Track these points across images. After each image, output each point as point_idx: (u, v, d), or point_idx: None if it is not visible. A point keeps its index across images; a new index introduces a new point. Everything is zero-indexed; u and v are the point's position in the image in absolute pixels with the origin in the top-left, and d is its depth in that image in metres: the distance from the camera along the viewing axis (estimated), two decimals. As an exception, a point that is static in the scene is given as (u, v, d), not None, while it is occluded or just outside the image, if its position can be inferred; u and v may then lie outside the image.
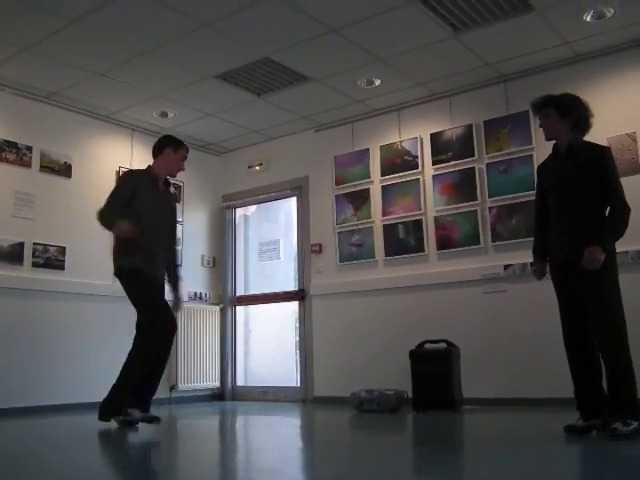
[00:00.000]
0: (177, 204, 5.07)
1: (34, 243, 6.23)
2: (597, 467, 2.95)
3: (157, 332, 4.57)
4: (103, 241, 6.78)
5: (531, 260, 5.70)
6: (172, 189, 5.12)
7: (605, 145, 3.89)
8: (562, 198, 3.81)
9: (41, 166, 6.43)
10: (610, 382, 3.56)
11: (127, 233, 4.44)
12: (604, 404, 3.60)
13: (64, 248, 6.44)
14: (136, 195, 4.67)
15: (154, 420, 4.50)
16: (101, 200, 6.77)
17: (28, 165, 6.33)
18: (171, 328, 4.65)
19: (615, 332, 3.55)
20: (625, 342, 3.55)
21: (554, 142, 3.95)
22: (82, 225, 6.63)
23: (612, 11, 5.13)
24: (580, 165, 3.76)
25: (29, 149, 6.34)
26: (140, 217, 4.57)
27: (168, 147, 4.89)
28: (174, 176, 4.99)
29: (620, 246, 5.70)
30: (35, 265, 6.21)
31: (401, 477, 2.76)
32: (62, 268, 6.41)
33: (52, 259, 6.35)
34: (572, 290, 3.73)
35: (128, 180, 4.90)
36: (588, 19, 5.23)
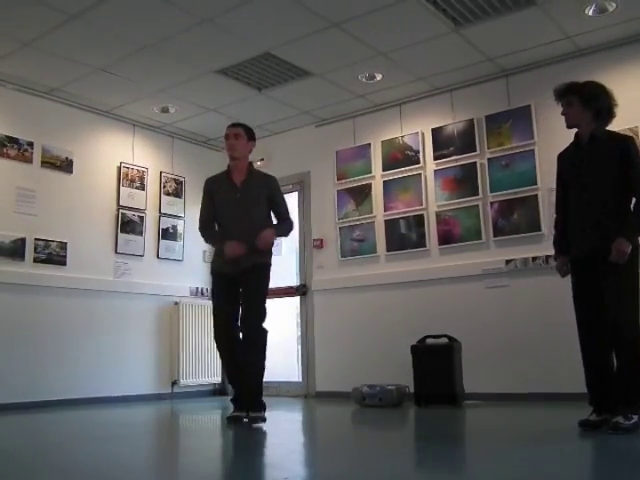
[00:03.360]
0: (271, 186, 4.73)
1: (36, 239, 6.23)
2: (598, 461, 2.95)
3: (213, 318, 4.57)
4: (104, 236, 6.84)
5: (533, 255, 5.77)
6: (262, 172, 4.83)
7: (628, 135, 3.82)
8: (584, 190, 3.73)
9: (42, 162, 6.42)
10: (620, 375, 3.53)
11: (238, 251, 4.39)
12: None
13: (65, 243, 6.45)
14: (215, 200, 4.66)
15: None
16: (102, 195, 6.86)
17: (29, 161, 6.33)
18: (219, 331, 4.50)
19: (633, 329, 3.50)
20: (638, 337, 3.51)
21: (576, 131, 3.88)
22: (83, 220, 6.65)
23: (614, 5, 5.11)
24: (602, 155, 3.70)
25: (30, 145, 6.34)
26: (221, 219, 4.63)
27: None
28: (233, 157, 4.65)
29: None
30: (37, 261, 6.21)
31: (403, 472, 2.76)
32: (64, 263, 6.41)
33: (54, 254, 6.35)
34: (592, 284, 3.66)
35: (205, 190, 4.79)
36: (590, 13, 5.22)
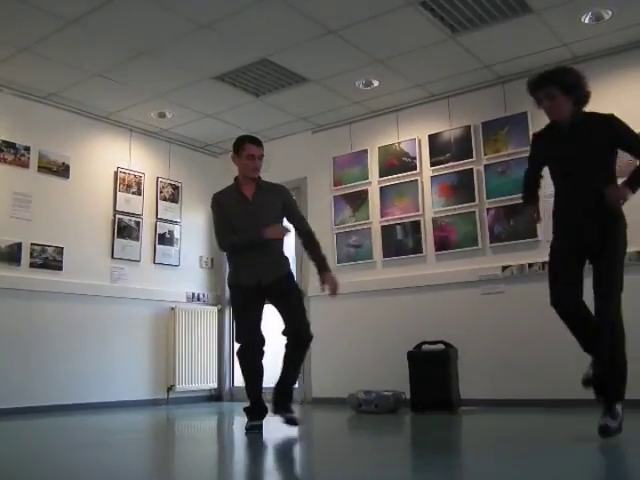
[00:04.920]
0: (284, 194, 4.62)
1: (32, 243, 6.22)
2: (594, 468, 2.95)
3: (239, 348, 4.44)
4: (101, 242, 6.83)
5: (529, 261, 5.78)
6: (271, 183, 4.64)
7: (608, 113, 3.62)
8: (571, 176, 3.62)
9: (39, 166, 6.42)
10: (606, 364, 3.43)
11: (280, 233, 4.39)
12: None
13: (62, 248, 6.44)
14: (227, 215, 4.46)
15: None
16: (99, 201, 6.86)
17: (26, 165, 6.33)
18: (249, 344, 4.39)
19: (616, 316, 3.43)
20: (622, 328, 3.44)
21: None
22: (80, 225, 6.64)
23: (610, 13, 5.14)
24: (587, 139, 3.56)
25: (27, 149, 6.34)
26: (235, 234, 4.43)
27: (232, 154, 4.55)
28: (253, 178, 4.49)
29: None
30: (33, 265, 6.20)
31: (399, 479, 2.76)
32: (60, 268, 6.41)
33: (50, 259, 6.34)
34: (576, 271, 3.56)
35: (214, 207, 4.56)
36: (586, 21, 5.24)
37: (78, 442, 4.19)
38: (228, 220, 4.44)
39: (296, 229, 4.60)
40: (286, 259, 4.59)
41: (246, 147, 4.46)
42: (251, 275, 4.34)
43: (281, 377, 4.41)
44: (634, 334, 5.18)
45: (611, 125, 3.57)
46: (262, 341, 4.40)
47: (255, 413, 4.40)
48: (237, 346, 4.44)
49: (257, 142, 4.53)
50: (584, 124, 3.59)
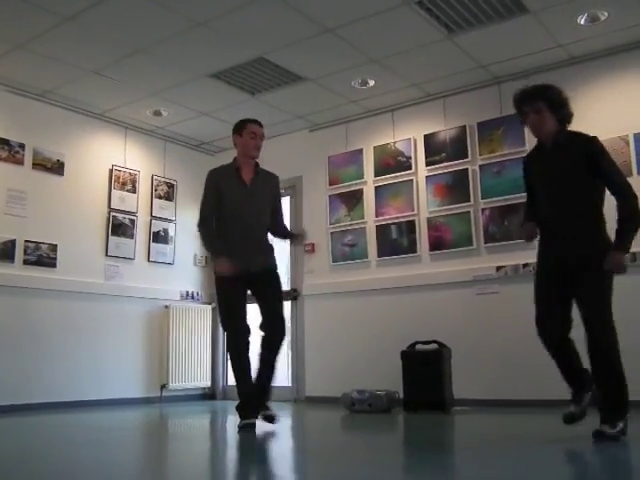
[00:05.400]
0: (276, 184, 4.72)
1: (26, 240, 6.21)
2: (584, 470, 2.95)
3: (229, 337, 4.49)
4: (95, 239, 6.82)
5: (523, 262, 5.78)
6: (267, 171, 4.70)
7: (591, 135, 3.60)
8: (553, 196, 3.61)
9: (34, 164, 6.41)
10: (602, 385, 3.44)
11: (226, 271, 4.30)
12: (588, 379, 3.54)
13: (56, 246, 6.43)
14: (222, 193, 4.45)
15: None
16: (94, 198, 6.83)
17: (21, 162, 6.31)
18: (239, 333, 4.41)
19: (608, 333, 3.41)
20: (617, 343, 3.42)
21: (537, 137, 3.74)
22: (74, 223, 6.63)
23: (606, 14, 5.15)
24: (568, 159, 3.55)
25: (22, 146, 6.32)
26: (227, 217, 4.44)
27: (233, 135, 4.58)
28: (254, 157, 4.54)
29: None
30: (26, 263, 6.19)
31: (391, 478, 2.76)
32: (54, 266, 6.39)
33: (44, 257, 6.33)
34: (560, 288, 3.55)
35: (208, 182, 4.56)
36: (582, 22, 5.25)
37: (71, 440, 4.18)
38: (225, 201, 4.42)
39: (274, 219, 4.64)
40: (272, 250, 4.63)
41: (248, 126, 4.52)
42: (240, 263, 4.32)
43: (258, 376, 4.42)
44: (630, 336, 5.20)
45: (591, 147, 3.54)
46: (249, 330, 4.43)
47: (249, 410, 4.38)
48: (226, 335, 4.46)
49: (258, 122, 4.61)
50: (567, 143, 3.60)
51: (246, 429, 4.25)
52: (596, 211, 3.55)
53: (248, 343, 4.42)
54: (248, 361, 4.42)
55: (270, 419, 4.38)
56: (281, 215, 4.77)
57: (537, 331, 3.65)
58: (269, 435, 4.22)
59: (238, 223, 4.42)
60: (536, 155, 3.79)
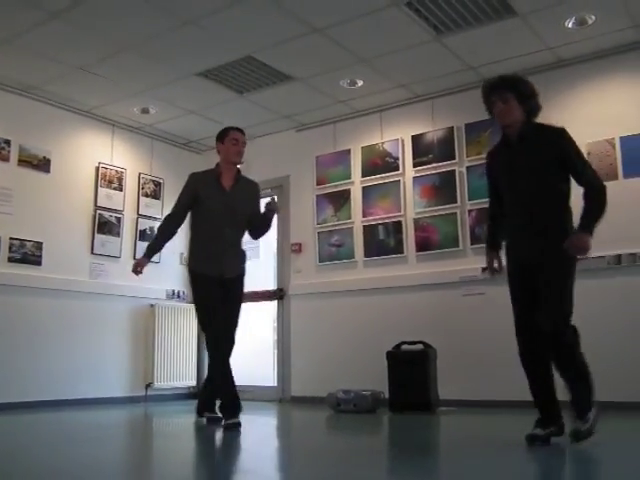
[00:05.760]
0: (257, 192, 4.89)
1: (11, 238, 6.16)
2: (565, 469, 2.97)
3: (210, 340, 4.51)
4: (81, 237, 6.78)
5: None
6: (247, 178, 4.82)
7: (559, 126, 3.51)
8: (519, 192, 3.51)
9: (19, 160, 6.36)
10: (569, 380, 3.37)
11: (136, 272, 4.59)
12: (559, 411, 3.48)
13: (41, 243, 6.39)
14: (199, 197, 4.58)
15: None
16: (80, 196, 6.80)
17: (6, 159, 6.26)
18: (219, 332, 4.47)
19: (568, 326, 3.35)
20: (578, 337, 3.37)
21: (503, 129, 3.64)
22: (60, 220, 6.59)
23: (593, 18, 5.18)
24: (535, 153, 3.47)
25: (7, 143, 6.28)
26: (205, 222, 4.58)
27: (216, 142, 4.73)
28: (236, 163, 4.68)
29: (597, 251, 5.76)
30: (11, 260, 6.14)
31: (374, 478, 2.76)
32: (39, 264, 6.35)
33: (29, 254, 6.28)
34: (532, 290, 3.46)
35: (188, 183, 4.73)
36: (570, 25, 5.28)
37: (63, 437, 4.16)
38: (202, 205, 4.56)
39: (253, 223, 4.75)
40: (245, 256, 4.75)
41: (230, 133, 4.67)
42: (215, 266, 4.48)
43: (208, 380, 4.65)
44: (614, 337, 5.24)
45: (560, 139, 3.47)
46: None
47: (213, 405, 4.64)
48: (206, 337, 4.53)
49: (240, 130, 4.75)
50: (533, 135, 3.53)
51: (212, 422, 4.57)
52: (565, 206, 3.47)
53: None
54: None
55: (236, 426, 4.35)
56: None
57: (516, 333, 3.57)
58: (253, 435, 4.22)
59: (214, 228, 4.54)
60: (500, 151, 3.70)
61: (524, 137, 3.53)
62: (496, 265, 3.78)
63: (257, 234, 4.87)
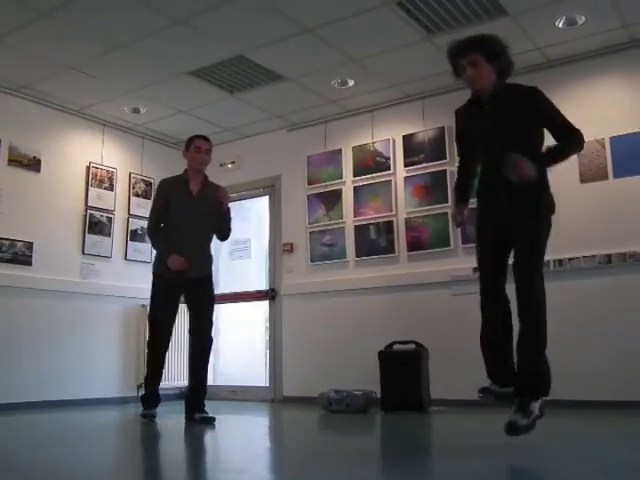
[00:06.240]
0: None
1: (0, 238, 6.13)
2: (546, 467, 2.98)
3: (150, 333, 4.89)
4: (71, 237, 6.76)
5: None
6: (215, 184, 5.09)
7: (532, 86, 3.40)
8: (494, 152, 3.36)
9: (9, 160, 6.33)
10: (524, 352, 3.26)
11: (179, 267, 4.70)
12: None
13: (31, 243, 6.36)
14: (169, 201, 4.87)
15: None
16: (70, 195, 6.78)
17: (-4, 159, 6.24)
18: (160, 332, 4.83)
19: (539, 297, 3.24)
20: (545, 310, 3.24)
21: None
22: (50, 220, 6.56)
23: (583, 18, 5.20)
24: (510, 112, 3.35)
25: (-3, 142, 6.25)
26: (171, 225, 4.86)
27: (183, 150, 5.04)
28: (201, 170, 4.98)
29: (587, 250, 5.79)
30: (1, 260, 6.11)
31: (367, 478, 2.77)
32: (29, 264, 6.32)
33: (19, 254, 6.26)
34: (503, 253, 3.38)
35: (158, 191, 5.10)
36: (560, 25, 5.30)
37: (52, 439, 4.14)
38: (171, 210, 4.83)
39: (216, 225, 4.98)
40: (210, 259, 5.02)
41: (194, 141, 4.96)
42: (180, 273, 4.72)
43: (192, 380, 4.84)
44: (604, 335, 5.25)
45: (535, 99, 3.35)
46: (170, 331, 4.89)
47: (151, 401, 4.88)
48: (148, 330, 4.89)
49: (205, 138, 5.04)
50: (506, 96, 3.39)
51: (147, 418, 4.79)
52: (541, 166, 3.32)
53: (167, 342, 4.86)
54: (162, 359, 4.86)
55: (207, 421, 4.66)
56: (226, 228, 5.08)
57: (481, 302, 3.48)
58: (245, 435, 4.21)
59: (180, 230, 4.82)
60: (471, 110, 3.56)
61: (497, 97, 3.40)
62: (460, 219, 3.75)
63: (221, 233, 5.07)
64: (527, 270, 3.27)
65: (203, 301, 4.84)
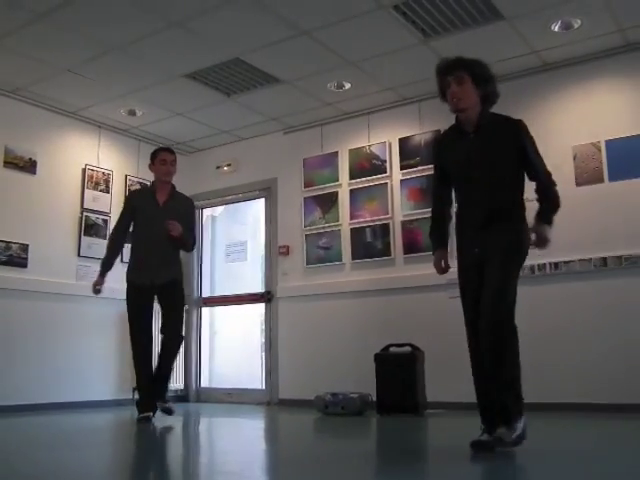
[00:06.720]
0: (189, 207, 5.44)
1: (-4, 240, 6.13)
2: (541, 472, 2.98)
3: (131, 339, 5.13)
4: (67, 239, 6.74)
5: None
6: (183, 195, 5.41)
7: (517, 118, 3.36)
8: (476, 184, 3.32)
9: (5, 162, 6.32)
10: (500, 375, 3.24)
11: (93, 290, 5.26)
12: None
13: (27, 246, 6.35)
14: (136, 212, 5.15)
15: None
16: (66, 198, 6.77)
17: (-9, 161, 6.23)
18: (140, 338, 5.09)
19: (510, 320, 3.19)
20: (516, 332, 3.20)
21: (456, 115, 3.43)
22: (46, 223, 6.55)
23: (579, 22, 5.22)
24: (493, 143, 3.29)
25: (-7, 144, 6.24)
26: (139, 235, 5.15)
27: (149, 163, 5.30)
28: (166, 181, 5.21)
29: (583, 254, 5.80)
30: (-3, 262, 6.11)
31: (364, 480, 2.77)
32: (25, 266, 6.31)
33: (14, 256, 6.24)
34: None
35: (127, 201, 5.43)
36: (556, 29, 5.31)
37: (46, 442, 4.12)
38: (138, 220, 5.13)
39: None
40: (178, 265, 5.28)
41: (159, 154, 5.25)
42: (144, 275, 5.05)
43: (157, 370, 5.07)
44: (601, 338, 5.27)
45: (517, 132, 3.30)
46: (151, 340, 5.17)
47: (146, 405, 5.02)
48: (130, 344, 5.10)
49: (169, 150, 5.36)
50: (490, 125, 3.34)
51: (143, 422, 4.90)
52: (521, 197, 3.32)
53: (148, 345, 5.12)
54: (148, 362, 5.07)
55: (167, 411, 5.09)
56: (191, 234, 5.35)
57: (468, 339, 3.41)
58: (240, 438, 4.21)
59: (146, 239, 5.08)
60: (454, 137, 3.49)
61: (480, 126, 3.34)
62: (444, 265, 3.67)
63: (183, 249, 5.33)
64: (495, 318, 3.19)
65: (172, 303, 5.12)
